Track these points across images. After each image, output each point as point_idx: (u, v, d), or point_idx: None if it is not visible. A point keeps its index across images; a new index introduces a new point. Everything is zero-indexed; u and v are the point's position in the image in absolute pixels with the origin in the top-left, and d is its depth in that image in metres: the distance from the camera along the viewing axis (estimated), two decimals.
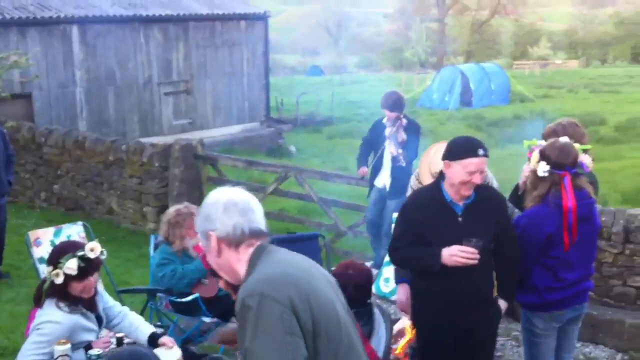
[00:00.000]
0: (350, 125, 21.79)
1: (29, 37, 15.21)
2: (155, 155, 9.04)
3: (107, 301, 4.09)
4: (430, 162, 4.42)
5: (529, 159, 3.84)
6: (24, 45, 14.72)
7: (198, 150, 8.95)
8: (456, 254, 3.52)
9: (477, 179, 3.53)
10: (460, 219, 3.60)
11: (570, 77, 39.35)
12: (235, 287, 3.27)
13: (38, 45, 15.18)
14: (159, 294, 5.20)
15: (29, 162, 10.55)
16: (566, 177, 3.67)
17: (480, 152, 3.51)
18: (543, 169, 3.69)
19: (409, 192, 4.64)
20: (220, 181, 9.15)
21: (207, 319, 5.16)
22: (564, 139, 3.83)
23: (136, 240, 8.87)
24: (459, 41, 59.30)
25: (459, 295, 3.63)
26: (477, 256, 3.51)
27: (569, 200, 3.65)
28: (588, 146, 3.93)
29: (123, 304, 5.46)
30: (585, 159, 3.77)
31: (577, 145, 3.80)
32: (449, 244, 3.55)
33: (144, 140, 11.21)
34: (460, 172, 3.53)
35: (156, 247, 5.48)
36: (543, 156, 3.73)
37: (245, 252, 2.27)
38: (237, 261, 2.28)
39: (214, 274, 3.39)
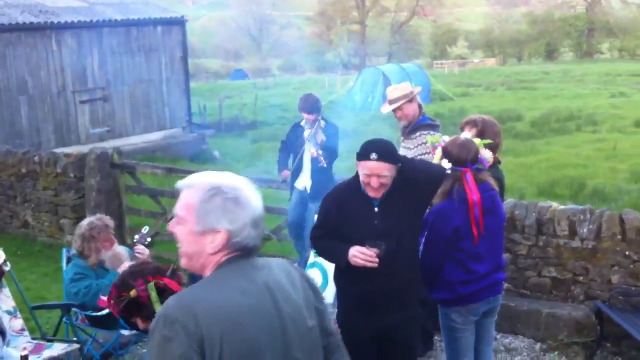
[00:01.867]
0: (274, 129, 21.75)
1: None
2: (70, 165, 8.76)
3: None
4: None
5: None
6: None
7: (115, 158, 8.71)
8: (356, 255, 3.53)
9: (374, 182, 3.52)
10: (376, 209, 3.61)
11: (487, 75, 40.48)
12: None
13: None
14: (73, 309, 5.03)
15: None
16: (467, 173, 3.76)
17: (373, 156, 3.47)
18: (445, 166, 3.76)
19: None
20: (139, 190, 8.96)
21: (125, 332, 5.03)
22: (465, 135, 3.92)
23: (53, 254, 8.57)
24: (380, 42, 60.26)
25: (378, 294, 3.64)
26: (376, 260, 3.51)
27: (473, 194, 3.73)
28: (488, 140, 4.02)
29: (37, 321, 5.29)
30: (485, 154, 3.86)
31: (477, 140, 3.90)
32: (364, 234, 3.56)
33: (60, 150, 10.85)
34: (361, 173, 3.58)
35: (69, 260, 5.31)
36: (445, 153, 3.80)
37: (222, 258, 2.08)
38: (211, 265, 2.09)
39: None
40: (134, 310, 3.21)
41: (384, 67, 32.05)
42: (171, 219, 6.51)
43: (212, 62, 62.85)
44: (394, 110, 5.51)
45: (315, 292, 2.22)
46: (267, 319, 2.01)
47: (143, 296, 3.15)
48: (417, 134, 5.39)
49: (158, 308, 3.13)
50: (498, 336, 5.63)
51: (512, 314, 5.69)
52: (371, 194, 3.58)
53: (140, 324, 3.29)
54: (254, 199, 2.09)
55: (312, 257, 6.49)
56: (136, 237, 5.18)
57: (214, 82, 43.93)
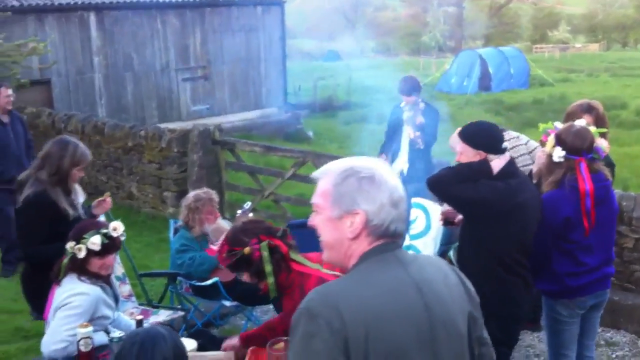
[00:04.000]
0: (367, 110, 21.66)
1: (46, 23, 15.27)
2: (174, 140, 9.07)
3: None
4: None
5: (542, 143, 3.77)
6: (42, 32, 14.77)
7: (216, 135, 8.96)
8: None
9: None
10: None
11: (590, 60, 38.91)
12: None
13: (56, 31, 15.24)
14: (179, 278, 5.24)
15: None
16: (582, 163, 3.57)
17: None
18: (558, 154, 3.58)
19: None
20: (238, 166, 9.19)
21: (227, 303, 5.20)
22: (581, 122, 3.73)
23: (156, 225, 8.94)
24: (477, 25, 58.71)
25: None
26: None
27: (586, 184, 3.55)
28: (604, 129, 3.84)
29: (144, 288, 5.54)
30: (602, 144, 3.67)
31: (592, 129, 3.69)
32: None
33: (162, 126, 11.24)
34: None
35: (176, 231, 5.52)
36: (559, 140, 3.62)
37: (367, 248, 1.93)
38: (355, 255, 1.95)
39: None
40: (243, 266, 3.32)
41: (482, 50, 31.37)
42: (269, 195, 6.70)
43: (307, 42, 63.10)
44: None
45: (470, 297, 2.04)
46: (416, 321, 1.84)
47: (257, 255, 3.24)
48: None
49: (269, 268, 3.22)
50: (599, 330, 5.45)
51: (615, 307, 5.51)
52: None
53: (246, 278, 3.40)
54: (390, 178, 1.95)
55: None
56: (239, 211, 5.33)
57: (309, 62, 44.19)
